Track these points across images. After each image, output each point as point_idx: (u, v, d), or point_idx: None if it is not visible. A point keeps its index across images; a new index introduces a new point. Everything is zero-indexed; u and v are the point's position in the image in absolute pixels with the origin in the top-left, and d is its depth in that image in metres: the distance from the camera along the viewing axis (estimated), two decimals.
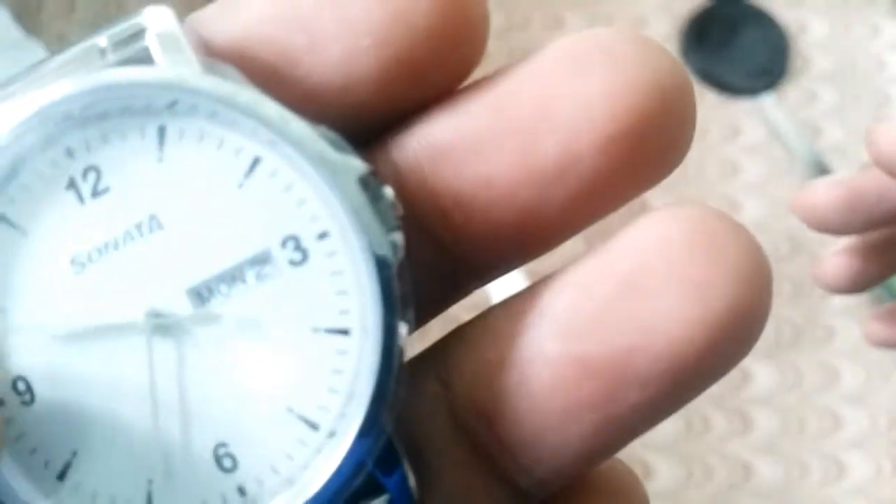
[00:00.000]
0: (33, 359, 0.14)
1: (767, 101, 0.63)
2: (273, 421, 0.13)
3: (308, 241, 0.13)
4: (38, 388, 0.14)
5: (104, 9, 0.65)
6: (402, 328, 0.13)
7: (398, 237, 0.13)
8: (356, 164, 0.13)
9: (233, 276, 0.13)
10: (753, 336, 0.12)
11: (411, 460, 0.14)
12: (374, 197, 0.13)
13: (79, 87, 0.13)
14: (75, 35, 0.63)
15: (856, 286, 0.35)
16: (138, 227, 0.14)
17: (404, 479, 0.13)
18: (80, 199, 0.14)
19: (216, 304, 0.13)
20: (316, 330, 0.13)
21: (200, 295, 0.13)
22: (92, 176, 0.14)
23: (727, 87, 0.64)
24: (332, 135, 0.14)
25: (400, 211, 0.13)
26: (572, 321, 0.12)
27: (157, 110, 0.13)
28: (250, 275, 0.13)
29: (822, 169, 0.61)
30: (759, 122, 0.63)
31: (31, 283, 0.14)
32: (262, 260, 0.13)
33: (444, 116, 0.14)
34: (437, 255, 0.14)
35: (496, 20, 0.66)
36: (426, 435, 0.14)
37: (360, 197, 0.13)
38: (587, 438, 0.12)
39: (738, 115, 0.63)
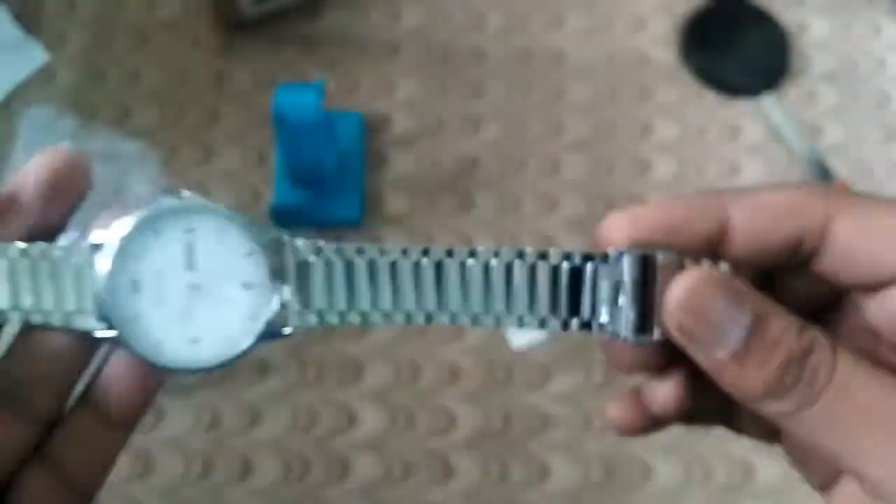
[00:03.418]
0: None
1: (767, 101, 0.63)
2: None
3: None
4: None
5: (104, 8, 0.65)
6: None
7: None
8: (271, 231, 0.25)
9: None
10: None
11: None
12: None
13: None
14: (75, 34, 0.64)
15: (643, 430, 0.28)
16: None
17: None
18: None
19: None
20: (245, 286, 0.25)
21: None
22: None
23: (727, 87, 0.64)
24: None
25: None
26: None
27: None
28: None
29: (822, 169, 0.61)
30: (759, 122, 0.63)
31: None
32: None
33: None
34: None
35: (496, 20, 0.66)
36: None
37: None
38: None
39: (738, 115, 0.63)
